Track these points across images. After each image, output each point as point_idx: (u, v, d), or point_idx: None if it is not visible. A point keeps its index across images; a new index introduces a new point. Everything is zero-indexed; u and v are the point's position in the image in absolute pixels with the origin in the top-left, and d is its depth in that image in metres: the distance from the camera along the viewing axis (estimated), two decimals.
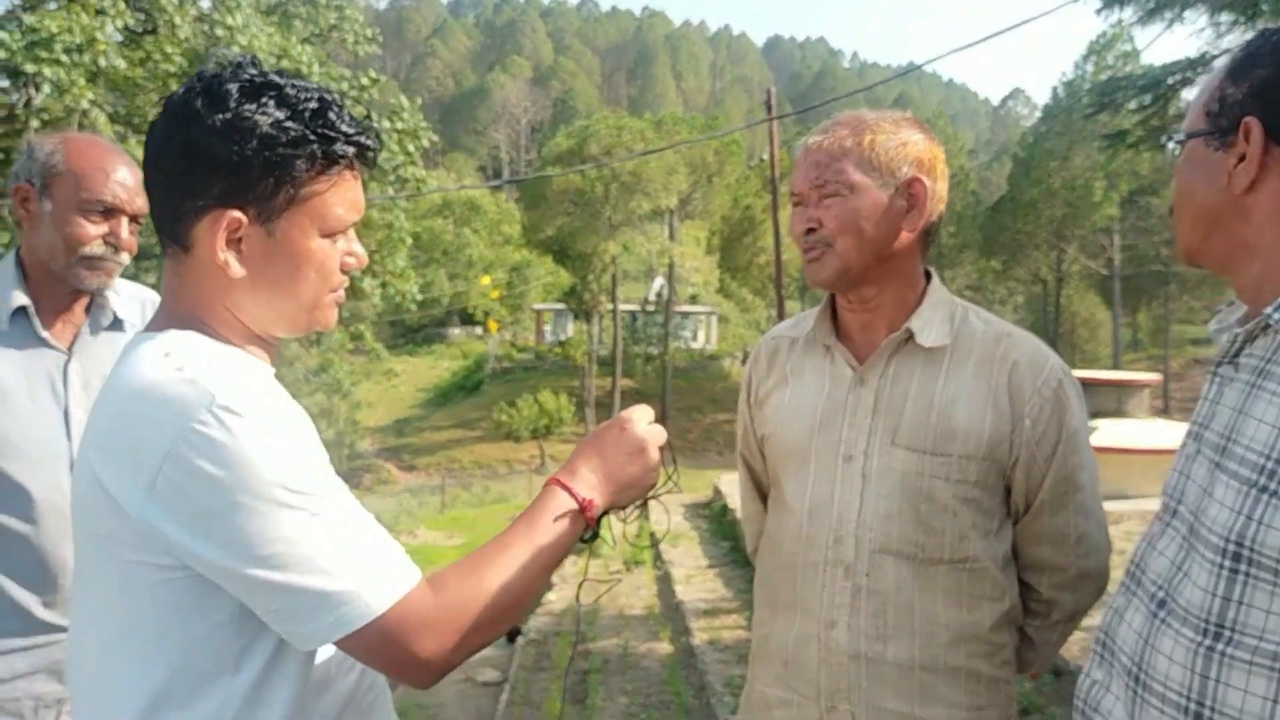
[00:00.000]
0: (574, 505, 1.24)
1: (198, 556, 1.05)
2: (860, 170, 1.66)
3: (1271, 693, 1.09)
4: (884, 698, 1.65)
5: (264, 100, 1.12)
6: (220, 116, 1.10)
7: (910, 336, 1.70)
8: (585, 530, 1.26)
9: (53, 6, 12.39)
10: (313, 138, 1.13)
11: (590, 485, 1.27)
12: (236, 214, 1.12)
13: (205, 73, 1.15)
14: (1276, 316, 1.17)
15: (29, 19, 11.25)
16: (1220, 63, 1.30)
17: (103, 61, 11.52)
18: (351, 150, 1.17)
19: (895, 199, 1.67)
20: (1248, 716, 1.11)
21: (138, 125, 13.36)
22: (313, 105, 1.14)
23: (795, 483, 1.77)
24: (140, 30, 13.39)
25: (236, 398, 1.06)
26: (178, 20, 12.37)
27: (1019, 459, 1.67)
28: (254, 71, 1.14)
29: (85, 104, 11.36)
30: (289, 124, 1.12)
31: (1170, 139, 1.32)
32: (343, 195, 1.18)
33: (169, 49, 12.62)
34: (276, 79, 1.14)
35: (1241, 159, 1.20)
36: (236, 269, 1.14)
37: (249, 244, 1.14)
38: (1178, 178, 1.31)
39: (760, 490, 2.00)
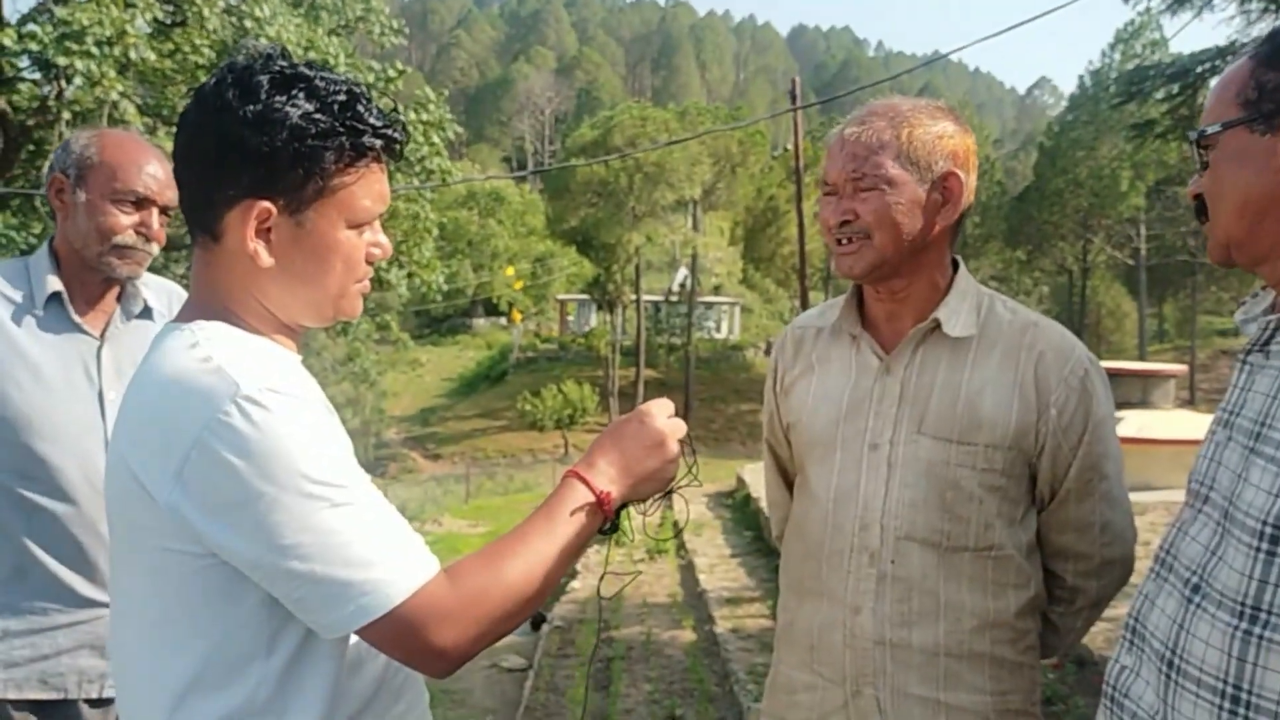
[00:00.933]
0: (592, 498, 1.25)
1: (223, 545, 1.07)
2: (898, 164, 1.66)
3: None
4: (909, 683, 1.67)
5: (294, 92, 1.14)
6: (251, 108, 1.12)
7: (937, 326, 1.72)
8: (604, 523, 1.27)
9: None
10: (341, 130, 1.15)
11: (608, 478, 1.27)
12: (266, 204, 1.15)
13: (236, 64, 1.17)
14: None
15: (60, 12, 11.38)
16: (1236, 61, 1.31)
17: (133, 54, 11.61)
18: (379, 143, 1.19)
19: (931, 193, 1.68)
20: None
21: (167, 117, 13.50)
22: (341, 98, 1.15)
23: (821, 470, 1.79)
24: (169, 23, 13.50)
25: (261, 388, 1.07)
26: (206, 12, 12.46)
27: (1045, 448, 1.69)
28: (284, 63, 1.16)
29: (115, 96, 11.47)
30: (318, 116, 1.14)
31: (1201, 134, 1.31)
32: (370, 187, 1.20)
33: (198, 41, 12.72)
34: (306, 71, 1.16)
35: None
36: (265, 258, 1.17)
37: (278, 234, 1.17)
38: (1216, 172, 1.30)
39: (785, 477, 2.02)
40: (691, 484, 1.38)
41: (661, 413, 1.36)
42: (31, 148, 13.43)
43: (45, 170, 2.16)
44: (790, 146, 13.91)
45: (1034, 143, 66.96)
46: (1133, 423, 14.69)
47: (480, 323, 61.98)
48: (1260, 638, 1.14)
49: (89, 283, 2.10)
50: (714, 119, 45.57)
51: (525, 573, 1.16)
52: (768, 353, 54.12)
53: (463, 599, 1.11)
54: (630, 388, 44.91)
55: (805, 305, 13.59)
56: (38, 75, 13.37)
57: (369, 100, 1.19)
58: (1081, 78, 51.92)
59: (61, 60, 11.17)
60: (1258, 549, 1.16)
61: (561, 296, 54.87)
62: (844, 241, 1.70)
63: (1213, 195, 1.32)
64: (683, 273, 49.59)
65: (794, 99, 11.45)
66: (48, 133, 12.87)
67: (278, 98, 1.13)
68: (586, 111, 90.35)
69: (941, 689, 1.68)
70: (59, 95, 12.26)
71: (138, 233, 2.07)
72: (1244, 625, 1.16)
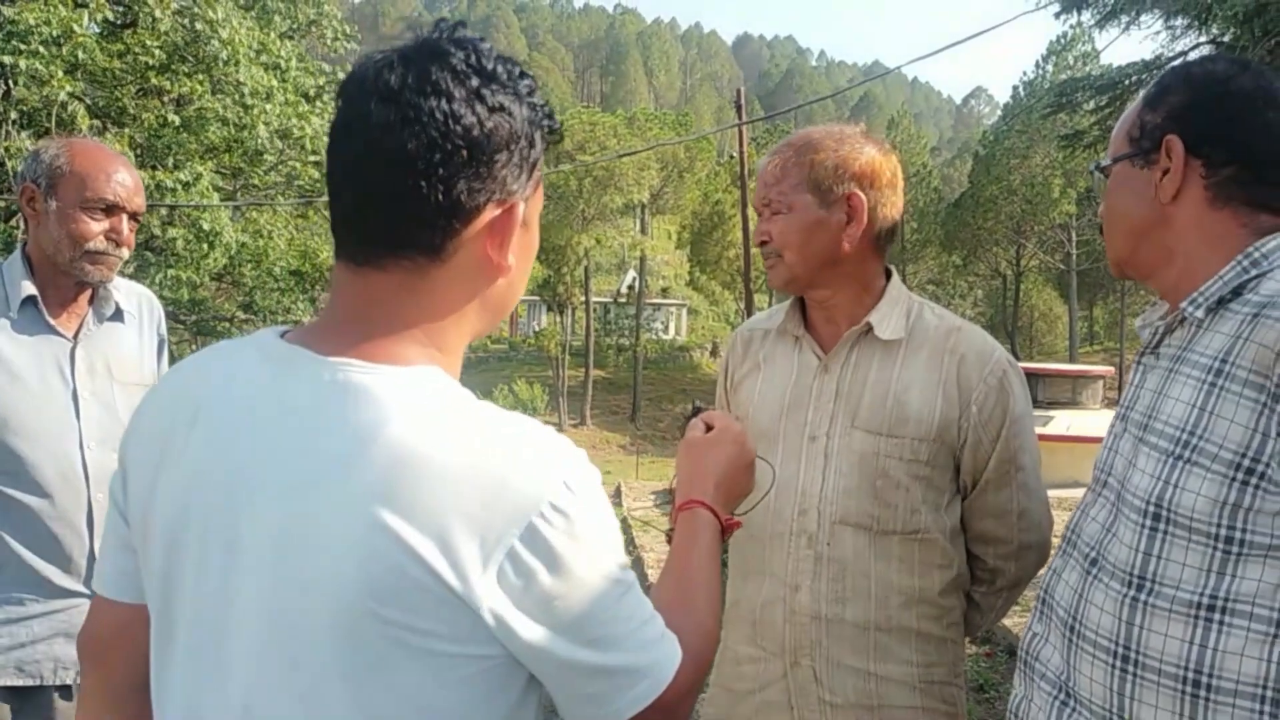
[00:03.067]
0: (719, 526, 1.27)
1: (522, 640, 0.92)
2: (800, 190, 1.84)
3: (1188, 636, 1.24)
4: (842, 655, 1.82)
5: (516, 74, 1.00)
6: (502, 97, 0.96)
7: (870, 329, 1.87)
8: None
9: None
10: (545, 113, 1.03)
11: (722, 503, 1.31)
12: (522, 205, 1.01)
13: (444, 51, 0.96)
14: (1190, 309, 1.33)
15: (7, 11, 11.13)
16: (1136, 100, 1.49)
17: (81, 54, 11.47)
18: (557, 124, 1.06)
19: (834, 214, 1.84)
20: (1168, 658, 1.25)
21: (115, 118, 13.34)
22: (528, 82, 1.02)
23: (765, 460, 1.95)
24: (120, 23, 13.32)
25: (579, 469, 0.96)
26: (158, 14, 12.19)
27: (967, 441, 1.84)
28: (486, 43, 1.00)
29: (63, 96, 11.31)
30: (531, 99, 1.01)
31: (1097, 167, 1.50)
32: None
33: (149, 42, 12.57)
34: (487, 45, 1.01)
35: (1165, 173, 1.37)
36: (515, 267, 1.03)
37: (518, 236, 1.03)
38: (1109, 199, 1.48)
39: None
40: (761, 499, 1.45)
41: (740, 426, 1.41)
42: None
43: (20, 173, 2.22)
44: (735, 154, 14.21)
45: (970, 151, 68.11)
46: (1062, 422, 15.10)
47: None
48: (1145, 603, 1.28)
49: (62, 287, 2.17)
50: (661, 125, 45.85)
51: (715, 616, 1.16)
52: (714, 354, 54.11)
53: (696, 664, 1.07)
54: (580, 388, 44.95)
55: (750, 307, 13.86)
56: None
57: (533, 79, 1.05)
58: (1016, 88, 52.96)
59: (7, 59, 10.95)
60: (1142, 525, 1.30)
61: None
62: (767, 259, 1.90)
63: (1107, 219, 1.49)
64: (631, 275, 49.77)
65: (739, 110, 11.75)
66: None
67: (513, 85, 0.98)
68: None
69: (872, 660, 1.82)
70: (5, 95, 11.98)
71: (108, 238, 2.14)
72: (1131, 593, 1.30)
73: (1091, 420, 14.00)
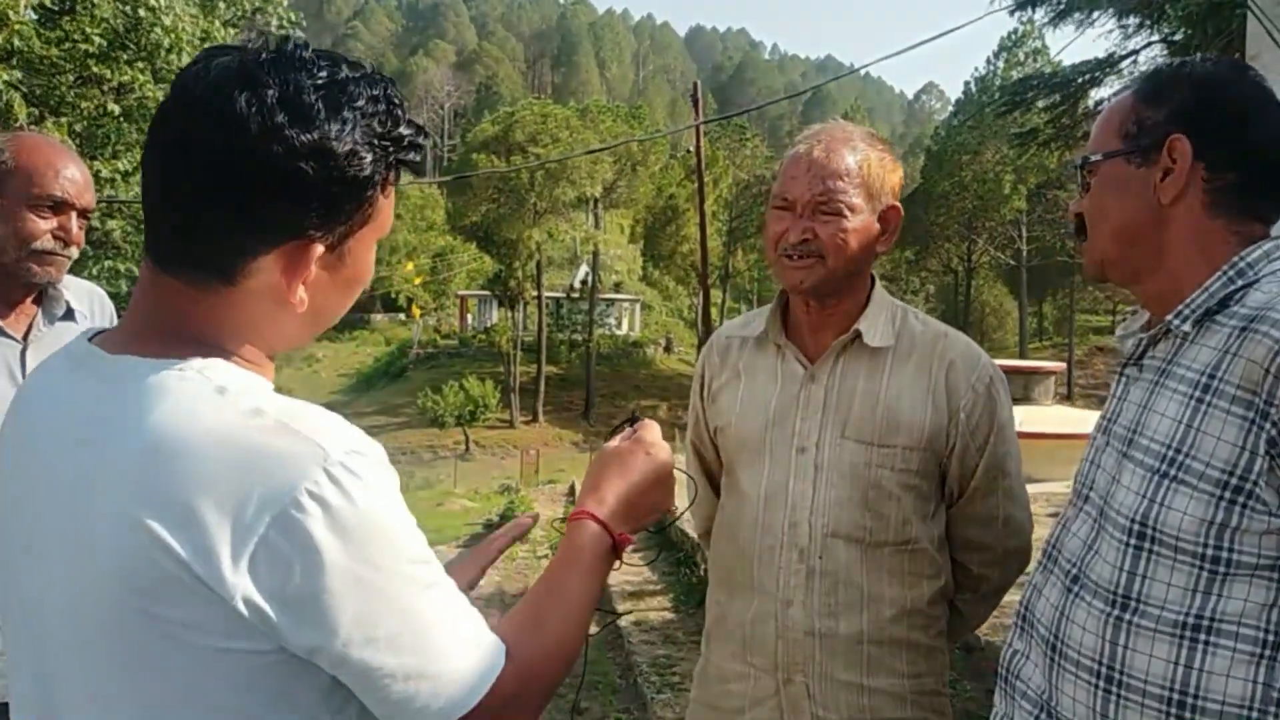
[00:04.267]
0: (610, 541, 1.20)
1: (302, 641, 0.89)
2: (859, 193, 1.80)
3: (1173, 656, 1.23)
4: (836, 669, 1.80)
5: (344, 113, 0.95)
6: (308, 137, 0.92)
7: (857, 337, 1.84)
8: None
9: None
10: (389, 148, 0.99)
11: (620, 517, 1.23)
12: (319, 247, 0.96)
13: (264, 75, 0.93)
14: (1176, 323, 1.30)
15: None
16: (1122, 93, 1.44)
17: (17, 41, 11.16)
18: (415, 155, 1.04)
19: (876, 223, 1.83)
20: (1153, 678, 1.24)
21: (54, 106, 12.99)
22: (382, 109, 0.98)
23: (751, 472, 1.89)
24: (57, 10, 13.00)
25: (349, 451, 0.91)
26: (97, 0, 12.05)
27: (955, 448, 1.83)
28: (322, 71, 0.95)
29: None
30: (371, 139, 0.97)
31: (1085, 160, 1.43)
32: (392, 197, 1.05)
33: (88, 29, 12.26)
34: (339, 73, 0.97)
35: (1166, 174, 1.33)
36: (306, 302, 0.99)
37: (316, 271, 0.98)
38: (1096, 198, 1.42)
39: (710, 477, 2.11)
40: (681, 516, 1.37)
41: (661, 439, 1.31)
42: None
43: None
44: (690, 149, 14.17)
45: (921, 147, 69.04)
46: (1015, 418, 15.30)
47: (379, 318, 60.88)
48: (1129, 623, 1.27)
49: (10, 288, 2.09)
50: (614, 117, 45.83)
51: (567, 632, 1.10)
52: (668, 350, 54.32)
53: (524, 681, 1.02)
54: (531, 384, 44.80)
55: (707, 302, 13.85)
56: None
57: (402, 104, 1.02)
58: (967, 84, 53.86)
59: None
60: (1127, 543, 1.28)
61: (462, 292, 54.30)
62: (794, 257, 1.80)
63: (1092, 218, 1.44)
64: (584, 270, 49.67)
65: (696, 105, 11.70)
66: None
67: (332, 122, 0.93)
68: (487, 106, 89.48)
69: (865, 674, 1.80)
70: None
71: (56, 237, 2.06)
72: (1115, 612, 1.28)
73: (1044, 416, 14.20)
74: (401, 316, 56.88)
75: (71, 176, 2.07)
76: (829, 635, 1.80)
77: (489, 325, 52.00)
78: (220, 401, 0.91)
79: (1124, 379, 1.43)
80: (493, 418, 41.59)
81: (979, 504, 1.88)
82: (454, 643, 0.96)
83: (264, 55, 0.95)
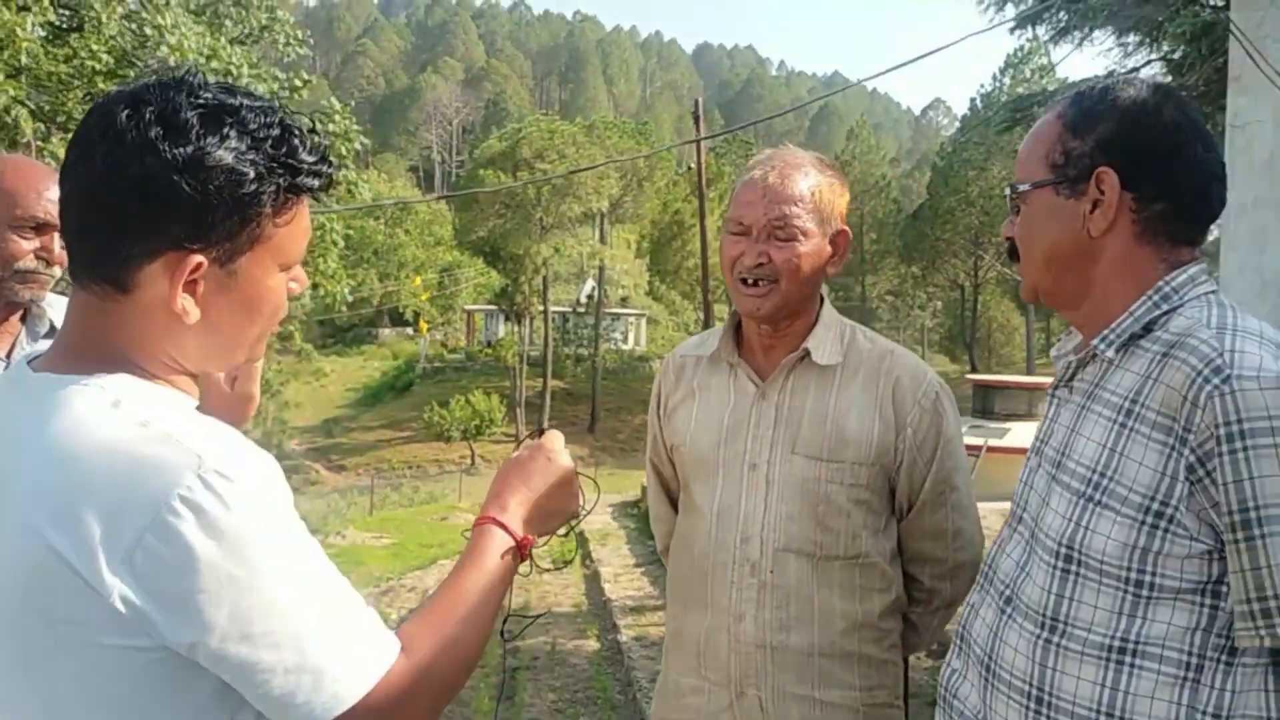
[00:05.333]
0: (512, 543, 1.24)
1: (182, 637, 0.93)
2: (812, 219, 1.83)
3: (1099, 679, 1.26)
4: (787, 682, 1.82)
5: (225, 130, 0.99)
6: (181, 150, 0.97)
7: (806, 355, 1.88)
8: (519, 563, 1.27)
9: None
10: (279, 171, 1.03)
11: (523, 520, 1.27)
12: (198, 258, 1.00)
13: (148, 92, 1.00)
14: (1102, 347, 1.33)
15: None
16: (1047, 116, 1.43)
17: (24, 58, 11.25)
18: (315, 182, 1.07)
19: (828, 246, 1.86)
20: (1080, 700, 1.27)
21: (62, 123, 13.10)
22: (275, 133, 1.02)
23: (705, 489, 1.92)
24: (65, 27, 13.12)
25: (225, 459, 0.95)
26: (104, 18, 12.02)
27: (903, 463, 1.86)
28: (208, 94, 1.01)
29: (5, 100, 11.10)
30: (254, 157, 1.01)
31: (1015, 190, 1.44)
32: (300, 226, 1.09)
33: (95, 46, 12.37)
34: (231, 100, 1.02)
35: (1095, 205, 1.33)
36: (195, 315, 1.02)
37: (206, 286, 1.02)
38: (1027, 226, 1.42)
39: (668, 495, 2.16)
40: (586, 515, 1.40)
41: (563, 447, 1.36)
42: None
43: None
44: (693, 165, 14.23)
45: (928, 162, 68.93)
46: (1018, 434, 15.23)
47: (386, 333, 60.99)
48: (1057, 645, 1.29)
49: None
50: (621, 134, 45.96)
51: (468, 633, 1.13)
52: None
53: (420, 675, 1.06)
54: (538, 398, 44.78)
55: (709, 318, 13.87)
56: None
57: (301, 132, 1.07)
58: (973, 100, 53.83)
59: None
60: (1054, 566, 1.31)
61: (469, 307, 54.40)
62: (751, 283, 1.83)
63: (1023, 244, 1.44)
64: (590, 284, 49.71)
65: (697, 122, 11.75)
66: None
67: (210, 138, 0.98)
68: (494, 123, 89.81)
69: (817, 687, 1.83)
70: None
71: (39, 257, 2.09)
72: (1044, 634, 1.31)
73: None
74: (409, 331, 56.97)
75: (54, 198, 2.08)
76: (780, 649, 1.82)
77: (495, 340, 52.02)
78: (112, 414, 0.97)
79: (1055, 400, 1.45)
80: (499, 432, 41.54)
81: (928, 518, 1.91)
82: (336, 638, 1.00)
83: (156, 80, 1.02)
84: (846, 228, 1.92)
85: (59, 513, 0.92)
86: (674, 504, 2.12)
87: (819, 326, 1.91)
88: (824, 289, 1.99)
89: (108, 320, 1.03)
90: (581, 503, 1.38)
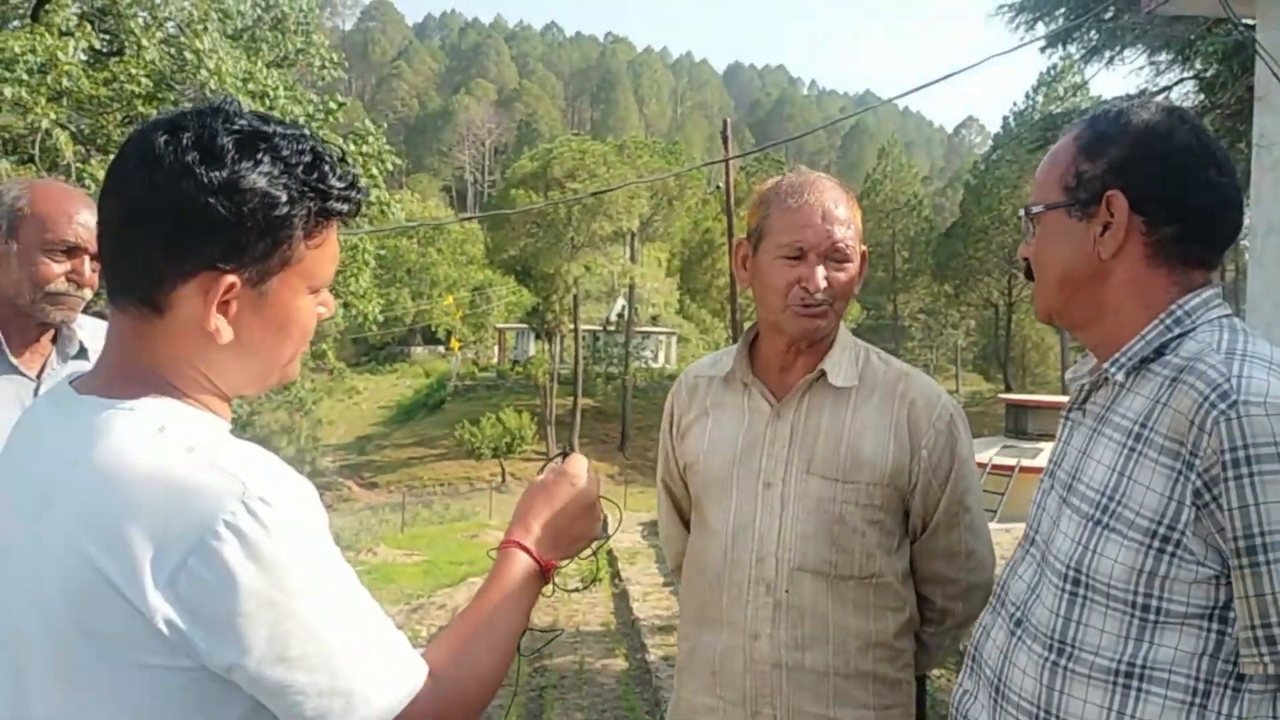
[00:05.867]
0: (536, 568, 1.26)
1: (221, 659, 0.97)
2: (856, 239, 1.88)
3: (1107, 702, 1.26)
4: (803, 701, 1.83)
5: (260, 156, 1.04)
6: (217, 175, 1.01)
7: (822, 375, 1.89)
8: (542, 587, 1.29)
9: (16, 26, 12.40)
10: (310, 195, 1.07)
11: (547, 544, 1.29)
12: (232, 278, 1.04)
13: (186, 119, 1.05)
14: (1113, 371, 1.33)
15: None
16: (1064, 139, 1.45)
17: (66, 82, 11.50)
18: (345, 207, 1.11)
19: (859, 267, 1.91)
20: None
21: (101, 145, 13.35)
22: (307, 159, 1.07)
23: (719, 508, 1.93)
24: (106, 51, 13.40)
25: (267, 486, 0.98)
26: (144, 42, 12.28)
27: (917, 485, 1.87)
28: (243, 121, 1.06)
29: (47, 123, 11.33)
30: (287, 181, 1.05)
31: (1029, 211, 1.46)
32: (330, 250, 1.13)
33: (134, 70, 12.63)
34: (265, 127, 1.06)
35: (1105, 227, 1.34)
36: (228, 335, 1.06)
37: (238, 307, 1.06)
38: (1041, 247, 1.44)
39: (680, 514, 2.17)
40: (607, 539, 1.42)
41: (586, 473, 1.38)
42: None
43: None
44: (722, 184, 14.26)
45: (961, 180, 68.56)
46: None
47: (419, 351, 61.44)
48: (1065, 668, 1.30)
49: (24, 327, 2.17)
50: (651, 153, 46.14)
51: (493, 659, 1.16)
52: None
53: (445, 698, 1.09)
54: (568, 416, 44.87)
55: (737, 336, 13.84)
56: None
57: (331, 159, 1.11)
58: (1006, 118, 53.57)
59: None
60: (1063, 589, 1.31)
61: (500, 325, 54.69)
62: (811, 304, 1.84)
63: (1037, 265, 1.46)
64: (620, 303, 49.81)
65: (725, 142, 11.79)
66: None
67: (244, 162, 1.02)
68: (526, 143, 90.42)
69: (832, 706, 1.83)
70: None
71: (69, 280, 2.14)
72: (1052, 657, 1.31)
73: None
74: (441, 349, 57.33)
75: (84, 222, 2.16)
76: (796, 668, 1.83)
77: (526, 358, 52.24)
78: (158, 439, 1.00)
79: (1069, 423, 1.45)
80: (529, 450, 41.64)
81: (942, 539, 1.92)
82: (368, 662, 1.03)
83: (193, 108, 1.07)
84: (864, 248, 1.95)
85: (105, 534, 0.95)
86: (686, 523, 2.13)
87: (835, 348, 1.92)
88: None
89: (144, 342, 1.07)
90: (604, 526, 1.40)
